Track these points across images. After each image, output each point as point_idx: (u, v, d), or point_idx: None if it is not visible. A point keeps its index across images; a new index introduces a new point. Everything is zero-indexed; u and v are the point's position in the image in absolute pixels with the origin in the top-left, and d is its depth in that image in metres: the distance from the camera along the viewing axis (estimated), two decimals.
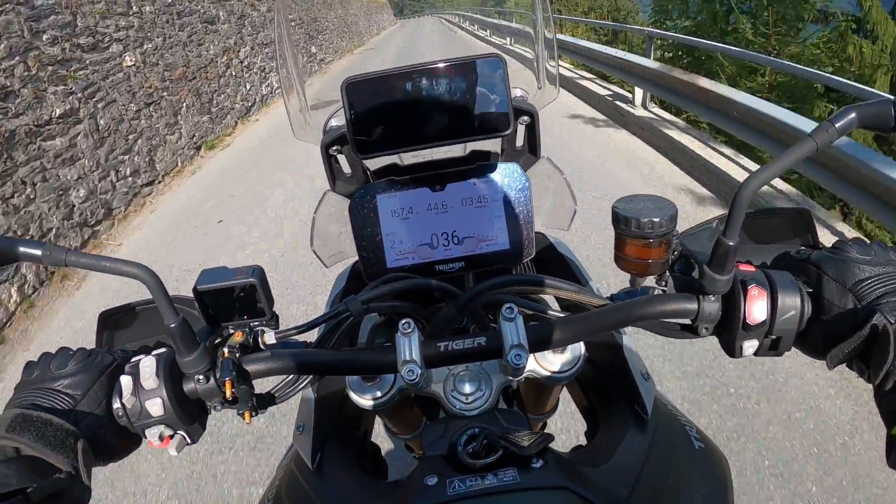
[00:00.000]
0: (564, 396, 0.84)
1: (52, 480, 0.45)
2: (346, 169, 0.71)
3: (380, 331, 0.70)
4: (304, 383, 0.57)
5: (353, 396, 0.61)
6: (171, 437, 0.52)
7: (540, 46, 0.76)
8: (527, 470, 0.48)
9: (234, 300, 0.54)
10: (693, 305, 0.52)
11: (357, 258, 0.69)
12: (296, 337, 0.58)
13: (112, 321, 0.65)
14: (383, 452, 0.77)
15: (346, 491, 0.58)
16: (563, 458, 0.52)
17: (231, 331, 0.56)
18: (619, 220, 0.54)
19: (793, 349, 0.52)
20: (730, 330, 0.51)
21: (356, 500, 0.56)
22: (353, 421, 0.70)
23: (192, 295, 0.55)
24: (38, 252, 0.47)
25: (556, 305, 0.66)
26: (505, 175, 0.66)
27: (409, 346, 0.51)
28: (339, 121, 0.71)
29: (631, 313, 0.53)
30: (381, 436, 0.98)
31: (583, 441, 0.69)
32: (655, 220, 0.52)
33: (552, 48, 0.76)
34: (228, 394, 0.51)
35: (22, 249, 0.47)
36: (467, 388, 0.60)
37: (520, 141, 0.72)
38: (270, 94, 9.14)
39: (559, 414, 0.93)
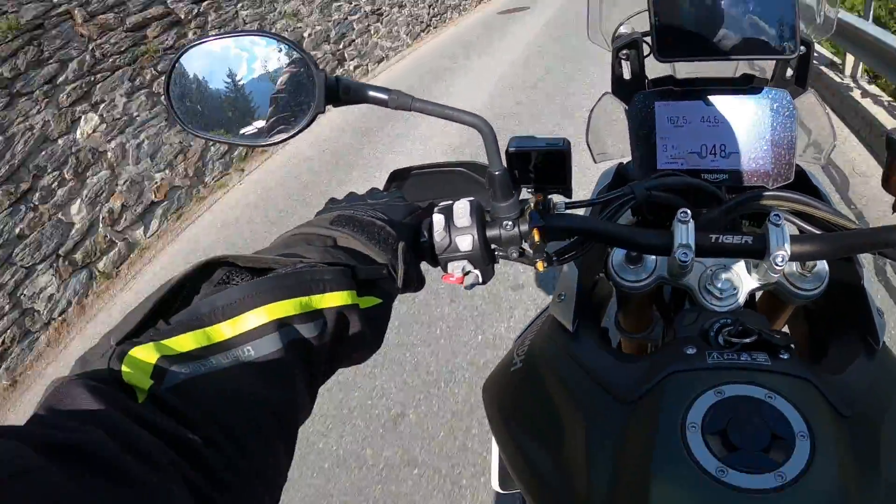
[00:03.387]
0: None
1: (373, 268, 0.47)
2: (627, 74, 0.77)
3: None
4: (584, 251, 0.63)
5: (615, 277, 0.67)
6: (466, 274, 0.58)
7: None
8: (776, 358, 0.52)
9: (536, 166, 0.60)
10: None
11: (621, 161, 0.76)
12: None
13: (398, 179, 0.73)
14: None
15: (603, 357, 0.63)
16: (803, 359, 0.57)
17: (530, 192, 0.61)
18: (893, 145, 0.54)
19: None
20: None
21: (615, 362, 0.61)
22: (597, 306, 0.76)
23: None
24: (386, 97, 0.52)
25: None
26: (774, 100, 0.69)
27: (686, 232, 0.55)
28: (626, 29, 0.77)
29: (893, 236, 0.52)
30: None
31: None
32: None
33: None
34: (537, 239, 0.56)
35: (371, 94, 0.52)
36: (721, 286, 0.64)
37: (789, 70, 0.74)
38: None
39: None
